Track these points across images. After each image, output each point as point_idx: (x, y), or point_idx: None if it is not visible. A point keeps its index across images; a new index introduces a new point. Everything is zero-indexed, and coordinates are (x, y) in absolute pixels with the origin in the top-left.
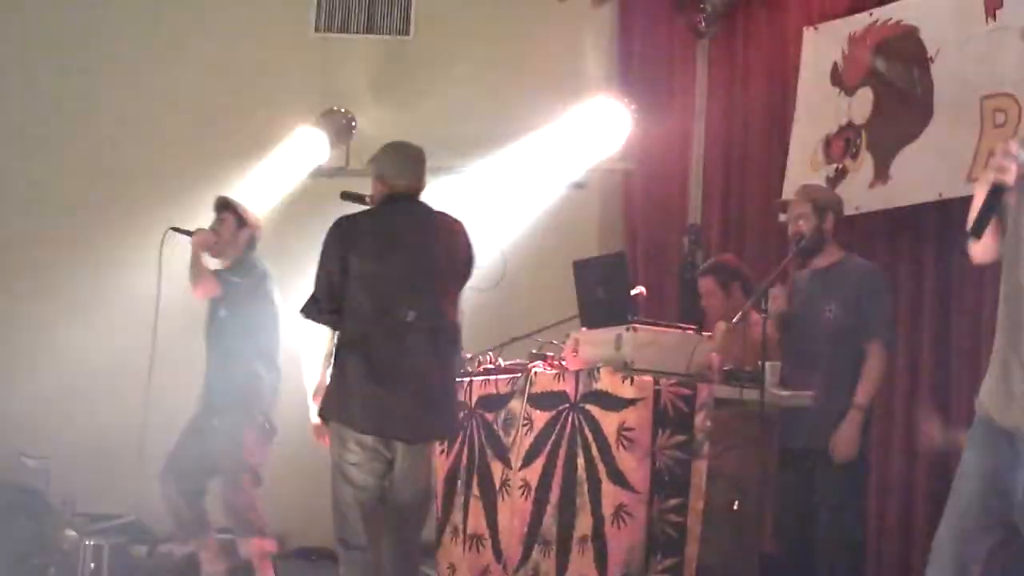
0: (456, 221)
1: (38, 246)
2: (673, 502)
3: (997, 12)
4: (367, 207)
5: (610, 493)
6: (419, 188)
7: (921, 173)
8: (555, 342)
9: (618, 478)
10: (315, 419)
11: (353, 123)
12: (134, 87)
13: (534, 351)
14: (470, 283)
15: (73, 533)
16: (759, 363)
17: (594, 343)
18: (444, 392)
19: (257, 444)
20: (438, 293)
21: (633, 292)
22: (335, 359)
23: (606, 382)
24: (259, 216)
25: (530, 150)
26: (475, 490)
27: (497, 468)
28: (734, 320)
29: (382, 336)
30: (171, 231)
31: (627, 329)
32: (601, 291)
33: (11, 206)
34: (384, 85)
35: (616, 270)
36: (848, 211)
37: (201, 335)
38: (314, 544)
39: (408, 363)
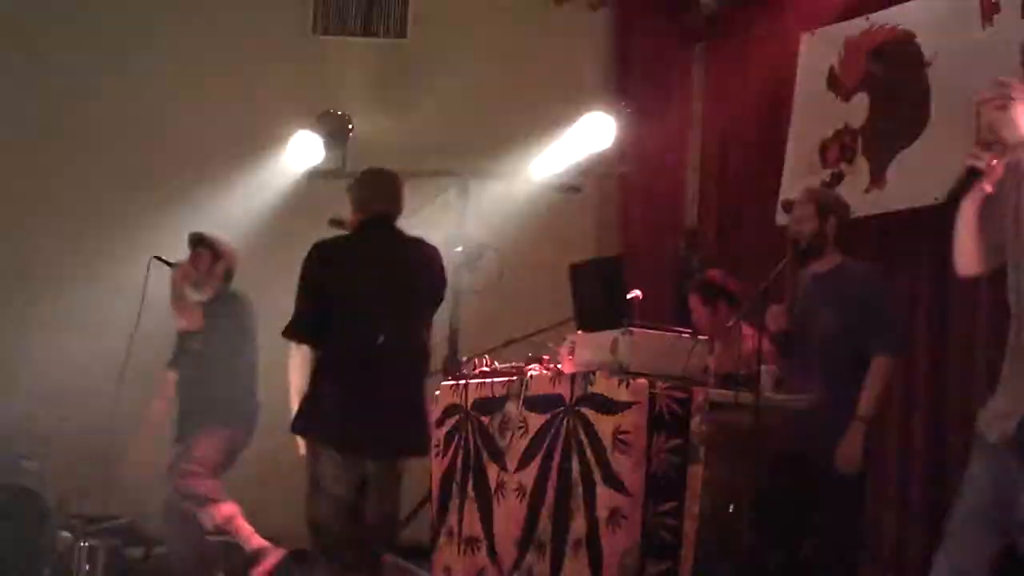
0: (430, 247)
1: (35, 247)
2: (668, 506)
3: (994, 17)
4: (345, 231)
5: (605, 496)
6: (395, 213)
7: (917, 178)
8: (551, 345)
9: (613, 481)
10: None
11: (350, 125)
12: (130, 89)
13: (530, 354)
14: (468, 285)
15: (68, 535)
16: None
17: (590, 346)
18: (416, 411)
19: (217, 446)
20: (412, 316)
21: (629, 296)
22: (313, 377)
23: (602, 385)
24: (233, 247)
25: (526, 153)
26: (471, 493)
27: (493, 471)
28: (727, 325)
29: (359, 356)
30: (154, 260)
31: (623, 332)
32: (597, 294)
33: (5, 208)
34: (381, 88)
35: (612, 273)
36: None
37: None
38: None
39: (383, 383)
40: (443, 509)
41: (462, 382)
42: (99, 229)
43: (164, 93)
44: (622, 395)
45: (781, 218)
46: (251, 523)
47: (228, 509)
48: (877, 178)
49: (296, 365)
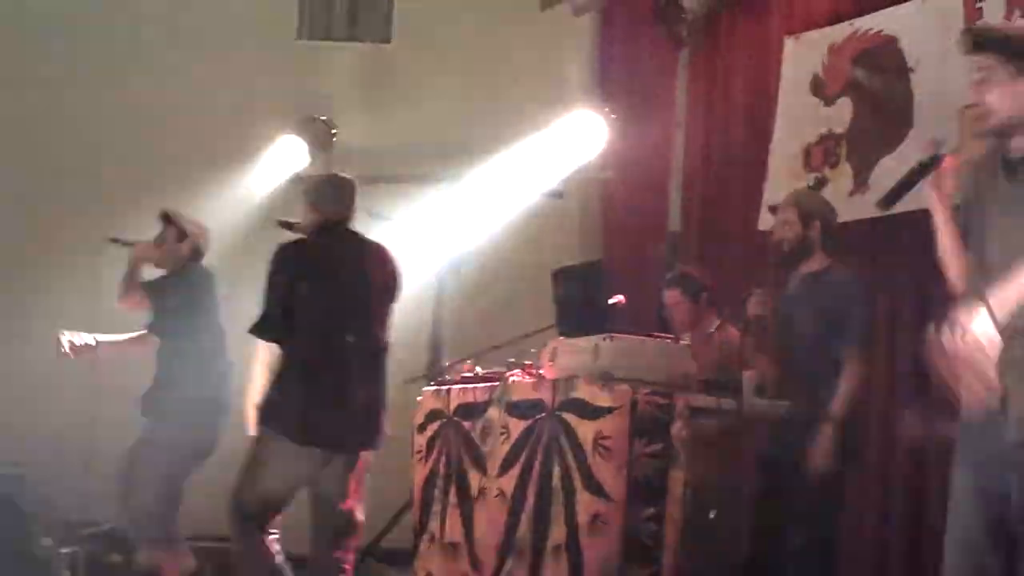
0: (383, 248)
1: (9, 251)
2: (649, 511)
3: (976, 22)
4: (301, 232)
5: (586, 502)
6: (351, 217)
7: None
8: (533, 351)
9: (594, 487)
10: (252, 429)
11: (334, 130)
12: (115, 94)
13: (512, 360)
14: (452, 292)
15: (49, 541)
16: (736, 372)
17: (572, 352)
18: (376, 407)
19: (158, 489)
20: (373, 316)
21: (611, 301)
22: (278, 374)
23: (583, 391)
24: (203, 227)
25: (510, 158)
26: (452, 498)
27: (474, 476)
28: (711, 330)
29: (324, 355)
30: (111, 241)
31: (605, 338)
32: (579, 300)
33: None
34: (365, 92)
35: (594, 279)
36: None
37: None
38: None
39: (347, 381)
40: (425, 515)
41: (444, 387)
42: (79, 235)
43: (148, 98)
44: (603, 400)
45: (764, 222)
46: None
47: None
48: (860, 183)
49: (261, 363)
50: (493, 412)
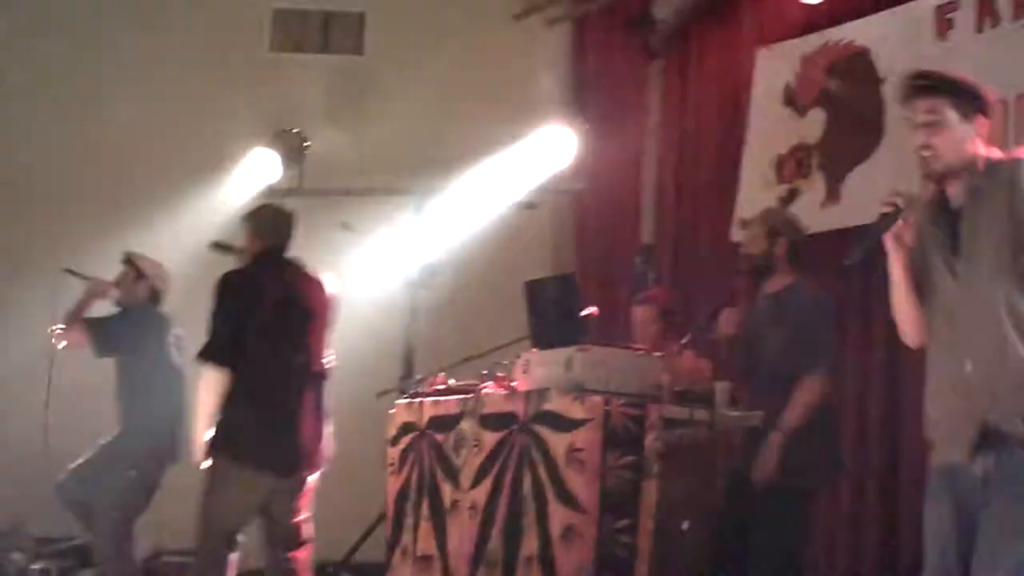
0: (321, 276)
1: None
2: (623, 522)
3: (948, 33)
4: (239, 258)
5: (559, 513)
6: (289, 245)
7: (872, 193)
8: (506, 362)
9: (567, 498)
10: (201, 455)
11: (306, 143)
12: (84, 108)
13: (485, 372)
14: (425, 304)
15: (20, 556)
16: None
17: (545, 363)
18: (320, 430)
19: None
20: (314, 342)
21: (584, 312)
22: (227, 401)
23: (556, 403)
24: (163, 270)
25: (483, 170)
26: (425, 511)
27: (447, 489)
28: (681, 342)
29: (270, 380)
30: (66, 272)
31: (578, 350)
32: (552, 311)
33: None
34: (337, 105)
35: (567, 290)
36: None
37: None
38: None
39: (293, 406)
40: (398, 527)
41: (417, 400)
42: (47, 249)
43: (120, 111)
44: (576, 412)
45: (736, 234)
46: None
47: None
48: (833, 194)
49: (207, 389)
50: (466, 424)
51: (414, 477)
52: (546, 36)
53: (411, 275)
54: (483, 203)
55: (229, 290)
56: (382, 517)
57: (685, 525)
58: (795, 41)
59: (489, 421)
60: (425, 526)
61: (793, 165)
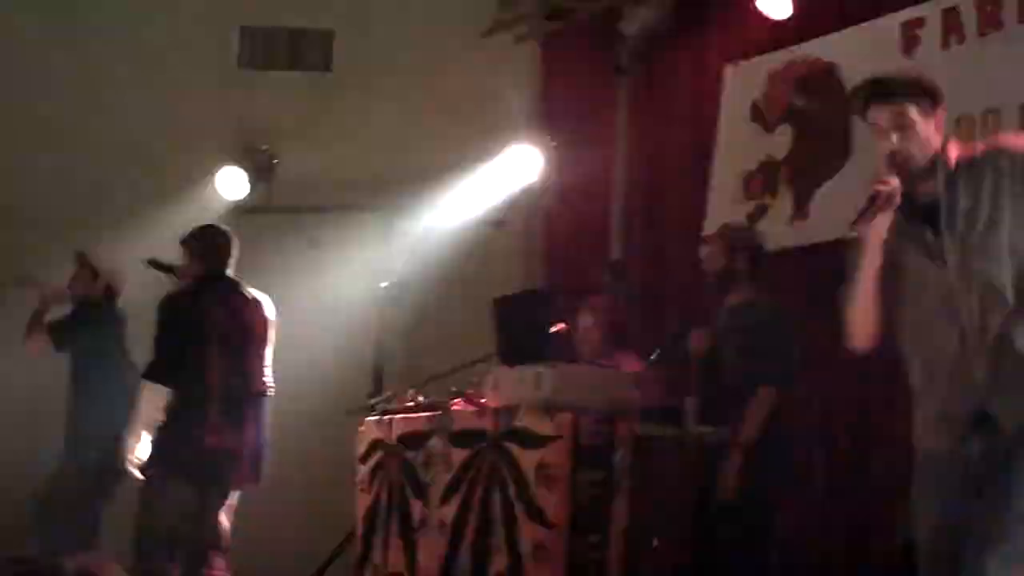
0: (259, 298)
1: None
2: (593, 538)
3: (914, 50)
4: (177, 277)
5: (528, 530)
6: (228, 266)
7: (840, 209)
8: (476, 379)
9: (537, 515)
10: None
11: (274, 160)
12: (52, 124)
13: (454, 388)
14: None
15: None
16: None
17: (514, 380)
18: (259, 445)
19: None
20: (253, 361)
21: (553, 329)
22: (167, 416)
23: (525, 419)
24: (119, 269)
25: (452, 187)
26: (395, 528)
27: (416, 506)
28: (651, 358)
29: (213, 395)
30: (17, 280)
31: (547, 366)
32: (521, 328)
33: None
34: (305, 122)
35: (536, 307)
36: (767, 247)
37: None
38: None
39: (232, 422)
40: (367, 545)
41: (387, 417)
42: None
43: (86, 127)
44: (546, 429)
45: (704, 250)
46: None
47: None
48: (801, 209)
49: (149, 403)
50: (435, 442)
51: (384, 494)
52: (515, 53)
53: (379, 292)
54: (452, 220)
55: (171, 313)
56: (351, 535)
57: (655, 542)
58: (762, 57)
59: (459, 438)
60: (395, 543)
61: (761, 181)
